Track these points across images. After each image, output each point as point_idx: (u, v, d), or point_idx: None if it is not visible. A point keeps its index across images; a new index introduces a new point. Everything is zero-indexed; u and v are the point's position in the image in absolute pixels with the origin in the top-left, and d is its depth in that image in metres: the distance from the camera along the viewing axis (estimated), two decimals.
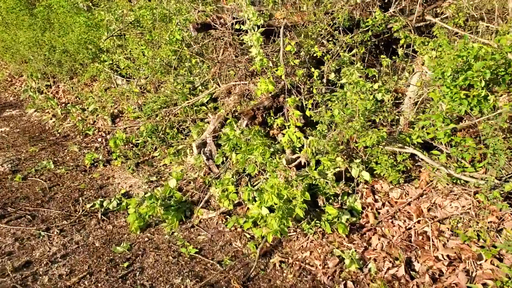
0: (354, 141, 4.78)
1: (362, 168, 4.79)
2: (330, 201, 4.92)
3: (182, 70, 7.70)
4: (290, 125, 5.44)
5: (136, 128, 7.79)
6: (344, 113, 4.71)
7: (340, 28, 6.44)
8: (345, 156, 4.86)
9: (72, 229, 5.26)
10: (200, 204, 5.50)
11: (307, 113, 5.49)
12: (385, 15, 6.69)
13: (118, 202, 5.77)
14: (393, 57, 6.42)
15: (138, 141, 7.02)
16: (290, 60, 5.87)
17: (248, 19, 5.63)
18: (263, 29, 5.72)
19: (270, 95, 5.93)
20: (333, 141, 4.78)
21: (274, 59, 6.15)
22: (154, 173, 6.53)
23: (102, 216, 5.52)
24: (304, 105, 5.74)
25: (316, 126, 5.83)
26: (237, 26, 5.84)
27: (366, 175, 4.78)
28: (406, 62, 6.45)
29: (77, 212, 5.60)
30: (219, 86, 7.25)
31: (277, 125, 5.74)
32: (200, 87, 7.52)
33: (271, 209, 4.82)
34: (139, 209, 5.25)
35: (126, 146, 7.20)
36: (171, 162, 6.65)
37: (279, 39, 6.10)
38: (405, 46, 6.65)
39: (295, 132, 5.35)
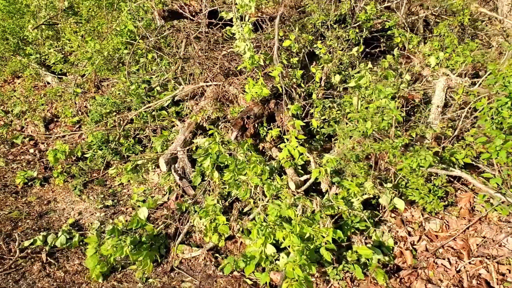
0: (385, 161, 3.85)
1: (393, 194, 3.87)
2: (349, 233, 3.95)
3: (135, 66, 6.41)
4: (290, 137, 4.41)
5: (78, 137, 6.39)
6: (375, 126, 3.75)
7: (329, 24, 5.50)
8: (376, 180, 3.90)
9: (8, 279, 3.90)
10: (179, 239, 4.33)
11: (314, 123, 4.48)
12: (377, 10, 5.85)
13: (68, 236, 4.45)
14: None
15: (86, 154, 5.63)
16: (283, 58, 4.85)
17: (236, 6, 4.52)
18: (254, 18, 4.65)
19: (259, 100, 4.86)
20: (363, 162, 3.82)
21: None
22: (109, 195, 5.22)
23: (48, 258, 4.18)
24: (300, 113, 4.73)
25: (315, 139, 4.88)
26: (224, 15, 4.70)
27: (400, 203, 3.86)
28: (399, 63, 5.65)
29: (12, 254, 4.21)
30: (182, 87, 6.06)
31: (271, 137, 4.68)
32: (158, 88, 6.27)
33: (276, 245, 3.80)
34: (101, 249, 3.99)
35: (68, 159, 5.79)
36: (129, 181, 5.38)
37: (268, 32, 5.05)
38: (400, 46, 5.88)
39: (296, 146, 4.33)
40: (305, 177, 4.27)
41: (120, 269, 4.08)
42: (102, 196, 5.14)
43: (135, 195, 5.09)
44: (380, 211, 4.10)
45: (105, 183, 5.45)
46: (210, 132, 4.70)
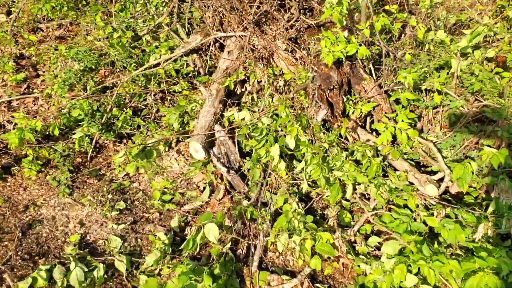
0: None
1: None
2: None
3: (116, 7, 4.68)
4: (397, 115, 3.26)
5: (33, 102, 4.58)
6: None
7: None
8: None
9: None
10: (255, 262, 3.09)
11: (436, 98, 3.32)
12: None
13: (85, 268, 2.96)
14: None
15: (73, 133, 3.91)
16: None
17: None
18: None
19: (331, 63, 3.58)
20: None
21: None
22: (116, 192, 3.69)
23: None
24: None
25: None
26: None
27: None
28: None
29: None
30: (200, 38, 4.53)
31: (360, 114, 3.48)
32: (147, 36, 4.64)
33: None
34: None
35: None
36: (138, 170, 3.88)
37: None
38: None
39: (407, 129, 3.21)
40: (437, 175, 3.17)
41: None
42: (110, 195, 3.61)
43: (157, 192, 3.65)
44: None
45: (101, 174, 3.88)
46: (277, 111, 3.38)
